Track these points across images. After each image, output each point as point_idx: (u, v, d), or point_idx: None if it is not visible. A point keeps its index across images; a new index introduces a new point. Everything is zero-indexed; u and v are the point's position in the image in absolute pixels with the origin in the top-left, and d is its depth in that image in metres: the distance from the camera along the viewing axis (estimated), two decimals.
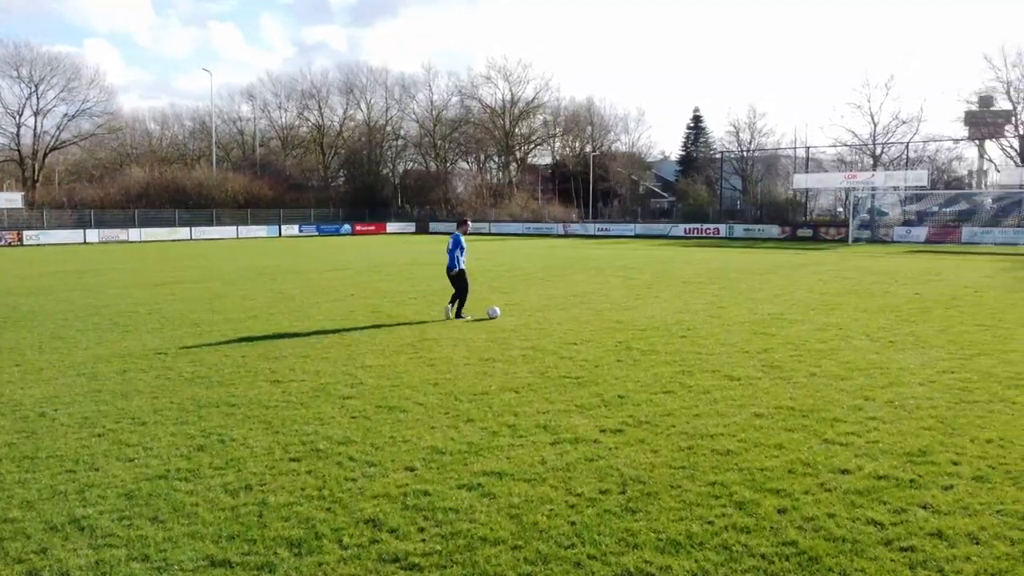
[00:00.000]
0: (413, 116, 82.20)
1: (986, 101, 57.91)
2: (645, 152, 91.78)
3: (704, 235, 52.16)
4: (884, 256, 31.96)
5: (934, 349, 10.70)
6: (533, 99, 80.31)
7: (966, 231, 42.29)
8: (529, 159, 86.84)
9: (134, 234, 52.18)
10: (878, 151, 58.02)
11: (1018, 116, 56.56)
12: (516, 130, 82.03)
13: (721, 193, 62.96)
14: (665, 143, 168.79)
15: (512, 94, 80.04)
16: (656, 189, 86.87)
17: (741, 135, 67.76)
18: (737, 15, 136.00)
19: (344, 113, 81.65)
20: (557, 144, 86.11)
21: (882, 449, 6.32)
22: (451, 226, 67.57)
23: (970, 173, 59.40)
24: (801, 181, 53.19)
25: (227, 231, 57.16)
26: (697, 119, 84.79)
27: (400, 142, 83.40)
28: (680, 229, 54.60)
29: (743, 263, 27.78)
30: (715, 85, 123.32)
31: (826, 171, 57.08)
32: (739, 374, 9.15)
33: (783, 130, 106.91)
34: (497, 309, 14.16)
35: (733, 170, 67.05)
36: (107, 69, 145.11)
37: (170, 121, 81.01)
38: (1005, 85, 56.09)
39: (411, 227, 68.71)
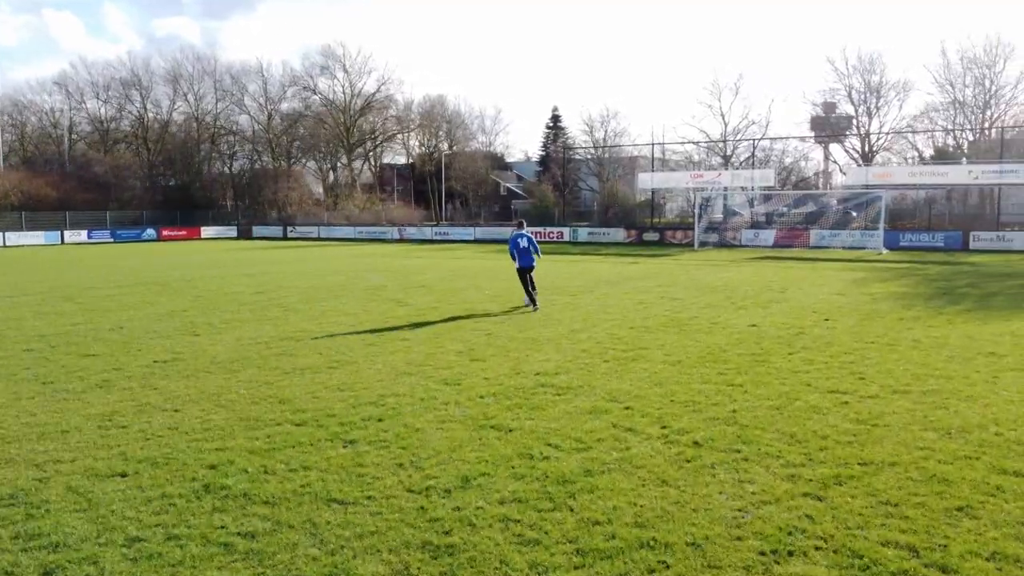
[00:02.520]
0: (246, 109, 74.05)
1: (829, 107, 57.51)
2: (504, 152, 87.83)
3: (547, 239, 47.40)
4: (727, 264, 28.45)
5: (762, 462, 6.12)
6: (376, 92, 74.08)
7: (814, 234, 40.10)
8: (383, 158, 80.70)
9: None
10: (728, 151, 56.03)
11: (859, 119, 56.27)
12: (362, 125, 75.46)
13: (565, 193, 59.00)
14: (528, 143, 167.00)
15: (352, 86, 73.57)
16: (517, 190, 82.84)
17: (595, 133, 64.47)
18: (593, 12, 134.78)
19: (171, 105, 72.50)
20: (413, 142, 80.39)
21: None
22: (278, 230, 60.55)
23: (816, 174, 58.67)
24: (646, 181, 49.66)
25: None
26: (556, 118, 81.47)
27: (233, 138, 74.94)
28: None
29: (562, 277, 23.05)
30: (574, 85, 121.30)
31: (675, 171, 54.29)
32: None
33: (639, 131, 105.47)
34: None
35: (590, 171, 63.63)
36: None
37: None
38: (847, 89, 55.63)
39: (232, 231, 60.92)
